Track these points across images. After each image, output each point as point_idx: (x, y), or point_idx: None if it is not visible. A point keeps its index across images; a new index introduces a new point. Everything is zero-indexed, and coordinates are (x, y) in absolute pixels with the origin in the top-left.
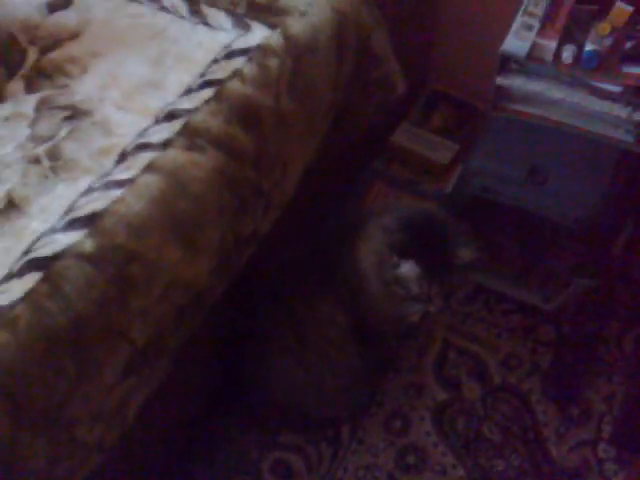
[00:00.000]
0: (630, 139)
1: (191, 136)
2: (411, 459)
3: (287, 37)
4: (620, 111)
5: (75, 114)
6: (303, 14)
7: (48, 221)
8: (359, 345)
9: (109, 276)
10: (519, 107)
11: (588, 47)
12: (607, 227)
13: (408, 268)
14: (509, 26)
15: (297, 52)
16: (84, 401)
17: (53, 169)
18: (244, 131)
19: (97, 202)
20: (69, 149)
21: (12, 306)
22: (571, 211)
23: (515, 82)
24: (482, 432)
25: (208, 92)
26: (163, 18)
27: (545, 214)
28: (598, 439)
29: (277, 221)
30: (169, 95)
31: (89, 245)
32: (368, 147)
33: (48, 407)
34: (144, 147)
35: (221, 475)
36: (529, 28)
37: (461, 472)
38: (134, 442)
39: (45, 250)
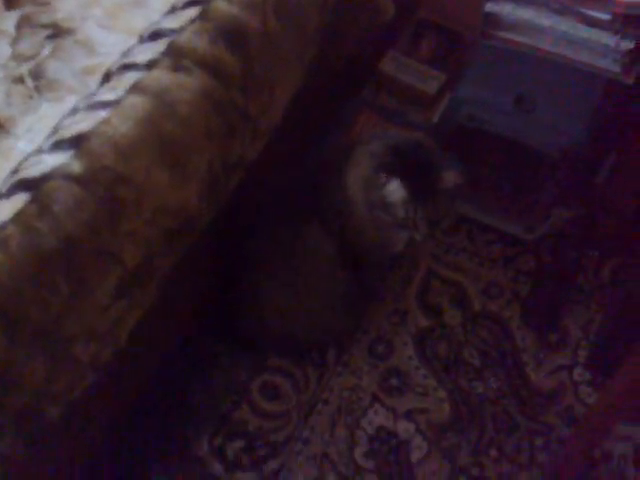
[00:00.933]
0: (617, 68)
1: (176, 56)
2: (394, 381)
3: None
4: (608, 39)
5: (57, 32)
6: None
7: (34, 141)
8: (346, 272)
9: (98, 198)
10: (507, 35)
11: None
12: (591, 157)
13: (394, 189)
14: None
15: None
16: (78, 319)
17: (37, 89)
18: (230, 52)
19: (83, 123)
20: (52, 68)
21: (2, 227)
22: (556, 140)
23: (504, 9)
24: (462, 356)
25: (193, 11)
26: None
27: (530, 143)
28: (574, 364)
29: (265, 148)
30: (153, 13)
31: (77, 166)
32: (356, 75)
33: (43, 324)
34: (129, 67)
35: (212, 396)
36: None
37: (442, 394)
38: (126, 363)
39: (33, 171)
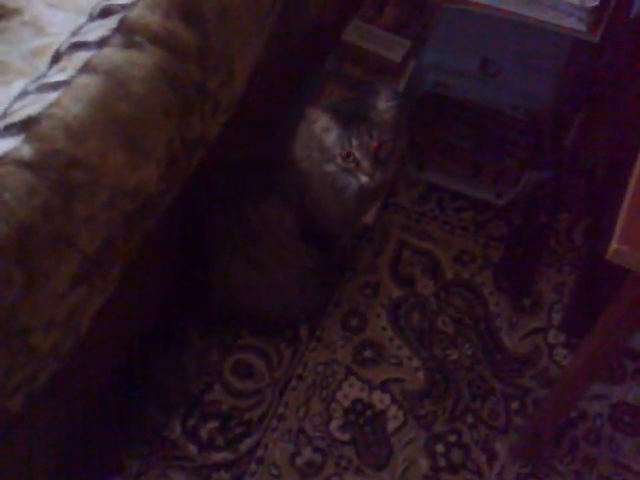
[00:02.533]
0: (582, 27)
1: (128, 33)
2: (368, 353)
3: None
4: None
5: (3, 13)
6: None
7: None
8: (310, 245)
9: (51, 183)
10: None
11: None
12: (559, 118)
13: (325, 123)
14: None
15: None
16: (34, 310)
17: None
18: (185, 26)
19: (32, 106)
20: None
21: None
22: (523, 103)
23: None
24: (436, 325)
25: None
26: None
27: (497, 107)
28: (548, 327)
29: (227, 125)
30: None
31: (27, 151)
32: (319, 45)
33: None
34: (79, 46)
35: (183, 378)
36: None
37: (416, 363)
38: (91, 350)
39: None
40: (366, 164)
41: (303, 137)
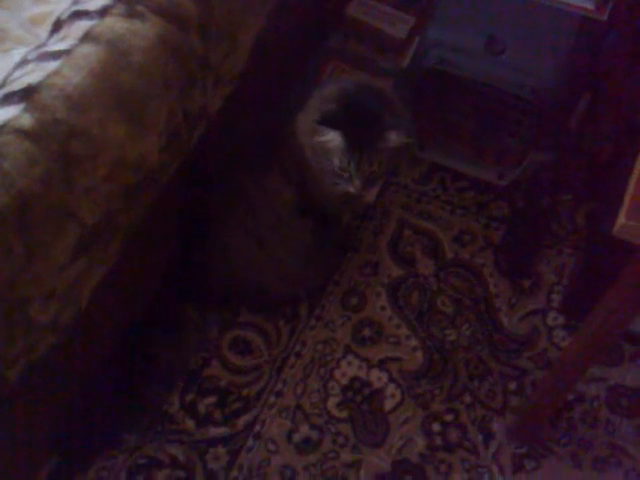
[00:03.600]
0: (590, 5)
1: (130, 2)
2: (367, 332)
3: None
4: None
5: None
6: None
7: None
8: (309, 222)
9: (51, 153)
10: None
11: None
12: (564, 99)
13: (331, 138)
14: None
15: None
16: (34, 280)
17: None
18: None
19: (33, 75)
20: None
21: None
22: (528, 82)
23: None
24: (435, 305)
25: None
26: None
27: (502, 86)
28: (548, 308)
29: (230, 97)
30: None
31: (27, 120)
32: (322, 20)
33: None
34: (80, 15)
35: (182, 353)
36: None
37: (415, 342)
38: (90, 323)
39: None
40: (357, 183)
41: (310, 118)
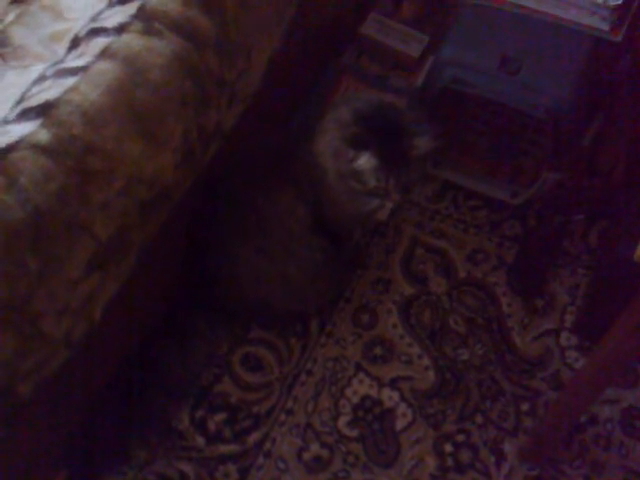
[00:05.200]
0: (605, 27)
1: (148, 19)
2: (378, 350)
3: None
4: None
5: None
6: None
7: None
8: (321, 238)
9: (67, 168)
10: None
11: None
12: (578, 119)
13: (364, 161)
14: None
15: None
16: (49, 296)
17: (2, 56)
18: (204, 15)
19: (50, 91)
20: (18, 35)
21: None
22: (542, 101)
23: None
24: (447, 323)
25: None
26: None
27: (516, 105)
28: (561, 328)
29: (243, 115)
30: None
31: (44, 136)
32: (336, 39)
33: (12, 302)
34: (98, 32)
35: (192, 369)
36: None
37: (426, 361)
38: (101, 338)
39: None
40: (396, 195)
41: (329, 142)
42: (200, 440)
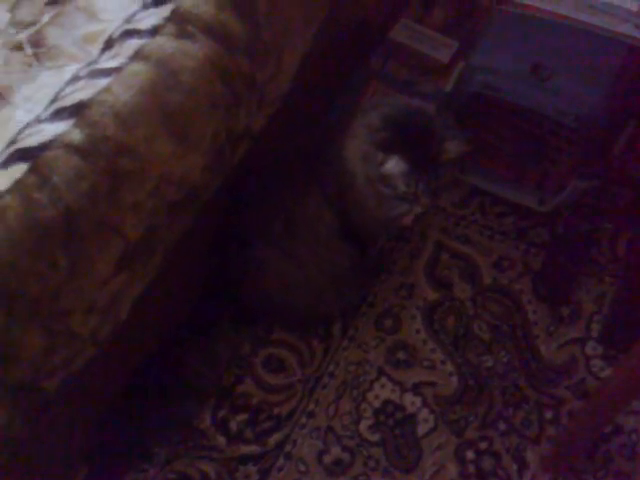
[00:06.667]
0: (638, 34)
1: (181, 22)
2: (401, 355)
3: None
4: (629, 4)
5: None
6: None
7: (33, 111)
8: (347, 243)
9: (99, 168)
10: (524, 0)
11: None
12: (608, 127)
13: (393, 165)
14: None
15: None
16: (77, 293)
17: (36, 56)
18: (237, 18)
19: (83, 91)
20: (52, 35)
21: (0, 197)
22: (573, 109)
23: None
24: (472, 330)
25: None
26: None
27: (546, 112)
28: (587, 337)
29: (272, 118)
30: None
31: (77, 136)
32: (366, 43)
33: (41, 299)
34: (131, 34)
35: (215, 369)
36: None
37: (450, 367)
38: (128, 336)
39: (31, 140)
40: (426, 200)
41: (358, 146)
42: (221, 440)
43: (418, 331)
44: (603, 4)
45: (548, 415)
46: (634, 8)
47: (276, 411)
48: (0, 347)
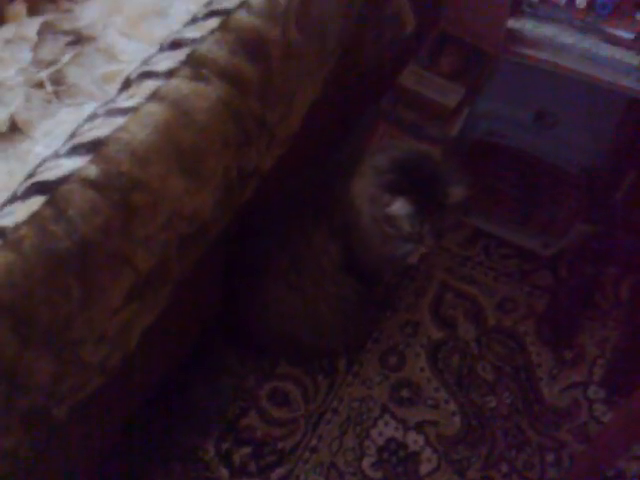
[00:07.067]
0: (638, 86)
1: (196, 66)
2: (405, 393)
3: None
4: (631, 58)
5: (79, 39)
6: None
7: (51, 146)
8: (353, 279)
9: (113, 203)
10: (529, 51)
11: None
12: (611, 174)
13: (399, 206)
14: None
15: None
16: (88, 323)
17: (56, 94)
18: (250, 63)
19: (101, 129)
20: (73, 74)
21: (17, 227)
22: (576, 158)
23: (526, 25)
24: (475, 370)
25: (214, 22)
26: None
27: (549, 160)
28: (589, 381)
29: (282, 157)
30: (174, 23)
31: (93, 171)
32: (375, 87)
33: (53, 327)
34: (148, 75)
35: (220, 400)
36: None
37: (453, 407)
38: (136, 365)
39: (49, 174)
40: (430, 241)
41: (366, 187)
42: (224, 472)
43: (422, 369)
44: (605, 58)
45: (550, 458)
46: (635, 62)
47: (280, 445)
48: (12, 374)
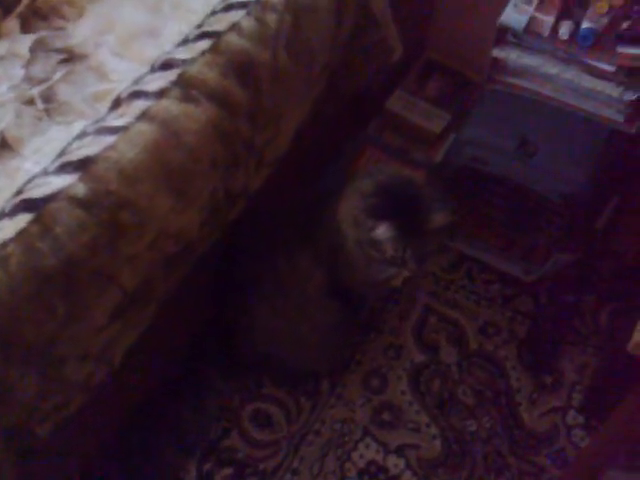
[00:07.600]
0: (620, 118)
1: (186, 87)
2: (386, 416)
3: None
4: (612, 90)
5: (71, 57)
6: None
7: (41, 163)
8: (337, 304)
9: (100, 221)
10: (513, 80)
11: (585, 24)
12: (592, 202)
13: (383, 231)
14: None
15: (296, 9)
16: (73, 340)
17: (47, 111)
18: (240, 85)
19: (90, 147)
20: (63, 92)
21: (3, 245)
22: (558, 186)
23: (511, 55)
24: (456, 394)
25: (205, 43)
26: None
27: (532, 187)
28: (568, 407)
29: (268, 178)
30: (166, 44)
31: (81, 189)
32: (362, 111)
33: (38, 344)
34: (139, 95)
35: (202, 421)
36: (528, 1)
37: (434, 430)
38: (119, 384)
39: (37, 192)
40: (413, 265)
41: (350, 211)
42: None
43: (404, 393)
44: (587, 89)
45: None
46: (615, 94)
47: (261, 467)
48: None
